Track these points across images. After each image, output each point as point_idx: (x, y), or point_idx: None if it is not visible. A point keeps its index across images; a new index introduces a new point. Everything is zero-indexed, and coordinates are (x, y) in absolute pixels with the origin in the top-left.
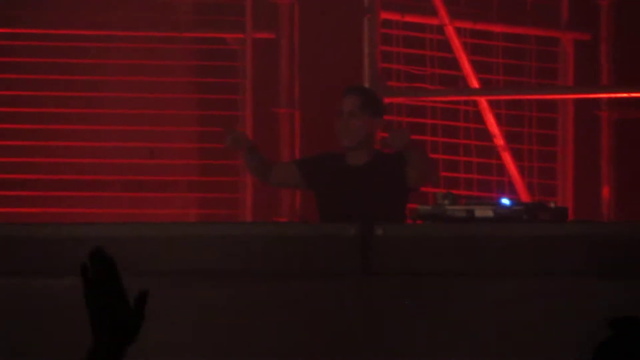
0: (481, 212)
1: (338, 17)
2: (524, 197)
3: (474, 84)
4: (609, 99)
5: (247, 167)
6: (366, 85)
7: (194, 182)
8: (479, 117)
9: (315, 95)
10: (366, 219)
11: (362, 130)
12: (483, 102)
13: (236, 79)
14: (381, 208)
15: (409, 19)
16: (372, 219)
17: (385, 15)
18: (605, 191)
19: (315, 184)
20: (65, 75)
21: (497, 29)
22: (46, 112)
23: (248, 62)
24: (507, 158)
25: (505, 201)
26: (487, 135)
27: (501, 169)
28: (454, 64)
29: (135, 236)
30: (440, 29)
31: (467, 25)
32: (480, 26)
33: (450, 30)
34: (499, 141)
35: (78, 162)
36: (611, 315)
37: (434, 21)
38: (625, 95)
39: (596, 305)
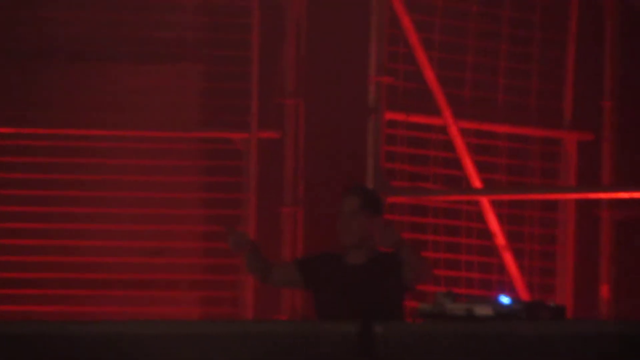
0: (481, 310)
1: (343, 117)
2: (524, 295)
3: (477, 183)
4: (610, 199)
5: (247, 268)
6: (369, 184)
7: (197, 280)
8: (481, 217)
9: (319, 194)
10: (366, 317)
11: (361, 229)
12: (485, 201)
13: (241, 178)
14: (379, 306)
15: (413, 119)
16: (371, 316)
17: (390, 116)
18: (604, 290)
19: (314, 284)
20: (72, 174)
21: (501, 129)
22: (53, 211)
23: (253, 162)
24: (508, 257)
25: (505, 300)
26: (488, 235)
27: (502, 267)
28: (457, 163)
29: (139, 334)
30: (444, 129)
31: (471, 125)
32: (484, 126)
33: (454, 131)
34: (500, 240)
35: (84, 260)
36: None
37: (438, 121)
38: (626, 195)
39: None
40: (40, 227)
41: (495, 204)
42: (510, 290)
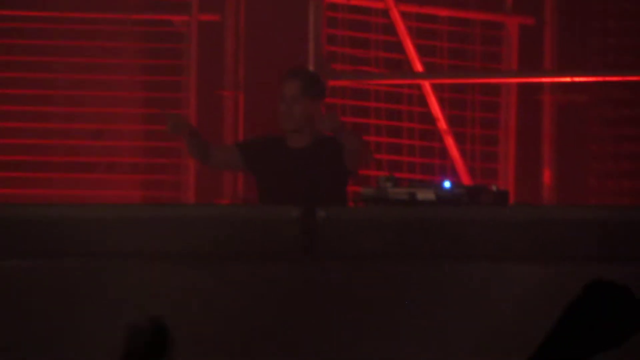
0: (423, 194)
1: (284, 0)
2: (466, 180)
3: (418, 67)
4: (552, 83)
5: (188, 150)
6: (311, 68)
7: (137, 164)
8: (422, 101)
9: (260, 77)
10: (307, 201)
11: (303, 113)
12: (427, 85)
13: (181, 61)
14: (322, 190)
15: (354, 1)
16: (313, 201)
17: None
18: (546, 175)
19: (256, 167)
20: (9, 56)
21: (442, 12)
22: None
23: (193, 44)
24: (450, 141)
25: (447, 184)
26: (430, 119)
27: (444, 152)
28: (399, 47)
29: (79, 217)
30: (385, 13)
31: (413, 8)
32: (425, 10)
33: (395, 14)
34: (442, 125)
35: (23, 143)
36: (551, 299)
37: (379, 4)
38: (567, 79)
39: (534, 288)
40: None
41: (437, 88)
42: (453, 175)
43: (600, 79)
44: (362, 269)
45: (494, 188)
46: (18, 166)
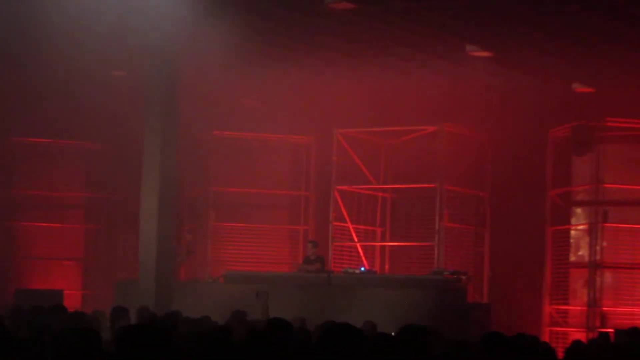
0: (358, 271)
1: None
2: (367, 266)
3: None
4: None
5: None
6: None
7: None
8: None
9: None
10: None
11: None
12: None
13: None
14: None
15: None
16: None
17: None
18: None
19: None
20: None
21: None
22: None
23: None
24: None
25: (362, 269)
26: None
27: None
28: None
29: None
30: None
31: None
32: None
33: None
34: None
35: None
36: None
37: None
38: None
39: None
40: None
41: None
42: (364, 265)
43: None
44: (348, 287)
45: (376, 269)
46: None
